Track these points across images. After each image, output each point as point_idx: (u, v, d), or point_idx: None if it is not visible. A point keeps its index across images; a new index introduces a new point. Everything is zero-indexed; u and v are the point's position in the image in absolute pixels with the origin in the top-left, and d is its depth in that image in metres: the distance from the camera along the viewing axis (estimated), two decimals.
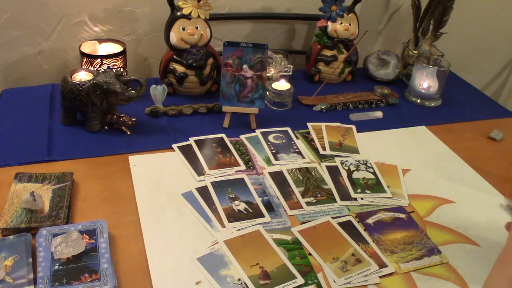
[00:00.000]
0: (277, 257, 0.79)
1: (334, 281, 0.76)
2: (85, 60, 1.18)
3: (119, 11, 1.28)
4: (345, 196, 0.95)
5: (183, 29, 1.16)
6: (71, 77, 1.05)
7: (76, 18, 1.26)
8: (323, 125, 1.16)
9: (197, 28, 1.16)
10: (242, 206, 0.89)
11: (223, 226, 0.85)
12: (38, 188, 0.87)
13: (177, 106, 1.16)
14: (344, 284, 0.76)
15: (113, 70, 1.17)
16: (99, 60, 1.17)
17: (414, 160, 1.08)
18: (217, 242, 0.81)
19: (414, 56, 1.39)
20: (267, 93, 1.22)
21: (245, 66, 1.09)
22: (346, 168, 1.03)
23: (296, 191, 0.95)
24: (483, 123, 1.26)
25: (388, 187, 0.98)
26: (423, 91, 1.31)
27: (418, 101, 1.32)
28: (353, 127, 1.17)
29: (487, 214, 0.95)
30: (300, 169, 1.01)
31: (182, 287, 0.73)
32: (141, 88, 1.03)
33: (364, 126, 1.18)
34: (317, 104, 1.24)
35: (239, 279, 0.75)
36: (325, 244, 0.83)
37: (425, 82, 1.30)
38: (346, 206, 0.93)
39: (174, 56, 1.19)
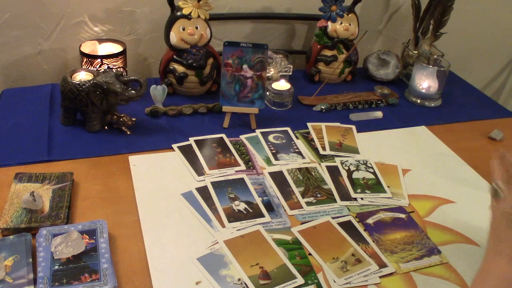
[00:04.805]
0: (277, 257, 0.79)
1: (334, 281, 0.76)
2: (85, 60, 1.18)
3: (119, 11, 1.28)
4: (345, 196, 0.95)
5: (183, 29, 1.16)
6: (71, 77, 1.05)
7: (76, 18, 1.26)
8: (323, 125, 1.16)
9: (197, 28, 1.16)
10: (242, 206, 0.89)
11: (223, 226, 0.85)
12: (38, 188, 0.87)
13: (177, 106, 1.16)
14: (344, 284, 0.76)
15: (113, 70, 1.17)
16: (99, 60, 1.17)
17: (414, 160, 1.07)
18: (217, 242, 0.81)
19: (414, 56, 1.39)
20: (267, 93, 1.22)
21: (245, 66, 1.09)
22: (346, 168, 1.03)
23: (296, 191, 0.95)
24: (483, 123, 1.26)
25: (388, 187, 0.98)
26: (423, 91, 1.31)
27: (418, 101, 1.32)
28: (353, 127, 1.17)
29: (487, 214, 0.94)
30: (300, 169, 1.01)
31: (182, 287, 0.73)
32: (141, 88, 1.03)
33: (364, 126, 1.18)
34: (317, 104, 1.24)
35: (239, 279, 0.75)
36: (325, 244, 0.83)
37: (425, 82, 1.30)
38: (346, 206, 0.93)
39: (174, 56, 1.19)
